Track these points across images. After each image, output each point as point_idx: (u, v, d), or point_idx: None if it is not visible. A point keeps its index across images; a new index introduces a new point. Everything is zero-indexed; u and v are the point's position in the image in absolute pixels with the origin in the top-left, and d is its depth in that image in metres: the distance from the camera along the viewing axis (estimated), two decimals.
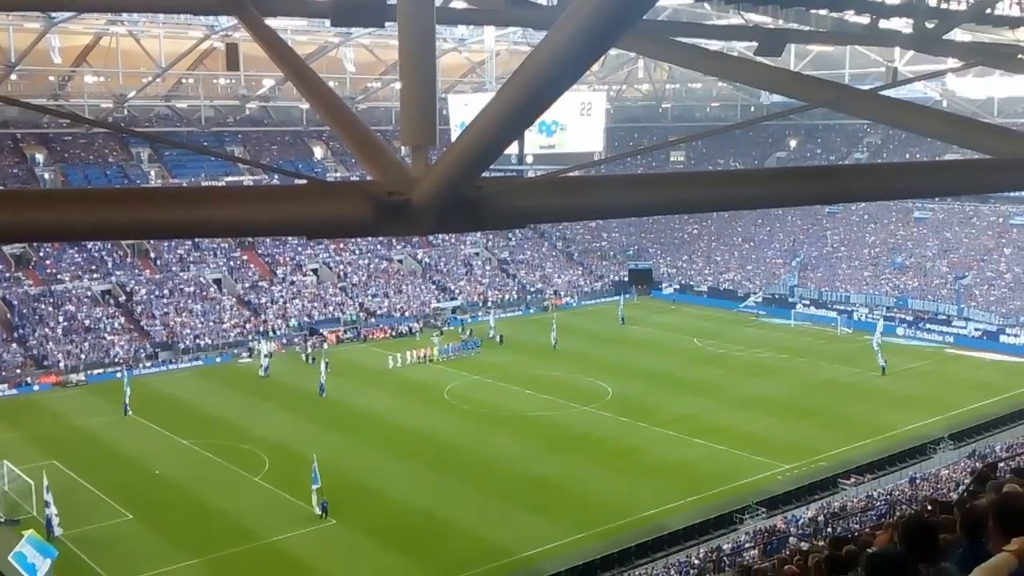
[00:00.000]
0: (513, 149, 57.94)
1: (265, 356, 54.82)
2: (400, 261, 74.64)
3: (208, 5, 9.18)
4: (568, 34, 3.39)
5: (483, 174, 4.37)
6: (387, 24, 7.61)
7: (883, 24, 15.15)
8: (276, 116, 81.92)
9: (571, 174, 4.80)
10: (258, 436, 42.18)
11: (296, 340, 61.45)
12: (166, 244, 66.52)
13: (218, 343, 59.59)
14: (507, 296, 73.58)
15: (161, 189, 4.26)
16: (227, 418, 45.25)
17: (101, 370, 54.41)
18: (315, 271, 70.73)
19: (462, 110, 64.02)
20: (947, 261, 70.09)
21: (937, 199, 72.76)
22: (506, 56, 75.78)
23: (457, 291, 72.44)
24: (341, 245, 73.24)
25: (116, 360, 55.57)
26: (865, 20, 15.00)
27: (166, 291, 63.47)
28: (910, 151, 78.44)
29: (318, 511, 33.50)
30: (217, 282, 66.31)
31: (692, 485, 35.94)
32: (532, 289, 75.42)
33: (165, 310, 61.59)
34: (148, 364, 56.24)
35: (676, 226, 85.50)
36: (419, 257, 75.46)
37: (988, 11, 17.40)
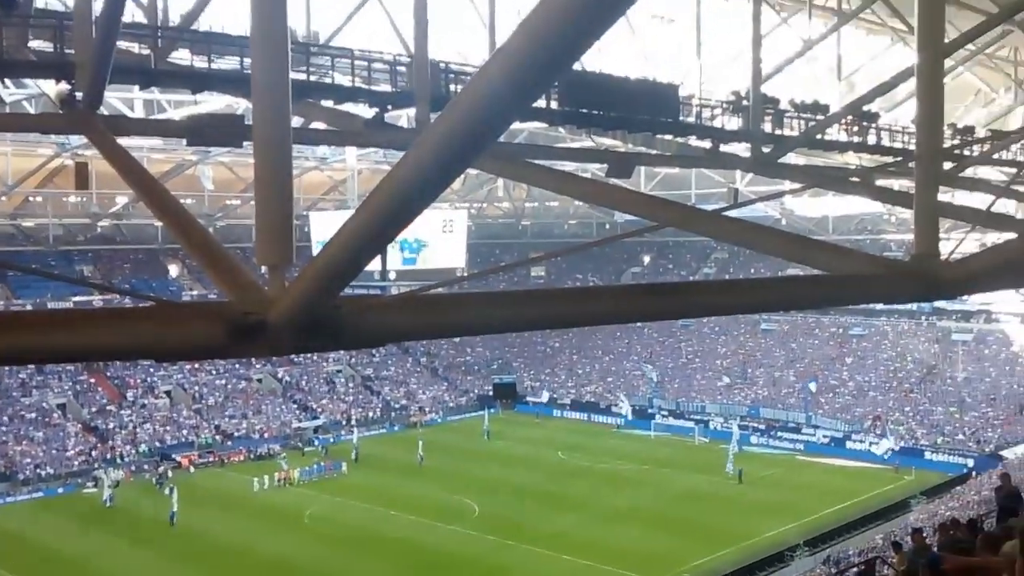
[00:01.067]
0: (376, 266, 57.91)
1: (109, 486, 51.70)
2: (259, 380, 72.54)
3: (58, 124, 8.95)
4: (425, 155, 3.45)
5: (343, 292, 4.34)
6: (245, 143, 7.57)
7: (724, 148, 16.09)
8: (129, 234, 79.55)
9: (433, 291, 4.80)
10: (104, 572, 39.38)
11: (146, 467, 58.35)
12: (5, 369, 62.74)
13: (61, 472, 55.93)
14: (371, 414, 72.29)
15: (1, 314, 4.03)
16: (71, 554, 42.19)
17: None
18: (168, 393, 67.85)
19: (323, 229, 63.82)
20: (794, 370, 73.17)
21: (782, 312, 76.35)
22: (368, 174, 76.44)
23: (319, 410, 70.74)
24: (197, 365, 70.73)
25: None
26: (707, 145, 15.89)
27: (5, 418, 59.51)
28: (755, 266, 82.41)
29: None
30: (61, 407, 62.66)
31: None
32: (396, 406, 74.42)
33: (3, 438, 57.60)
34: None
35: (539, 340, 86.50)
36: (279, 376, 73.59)
37: (819, 136, 18.70)
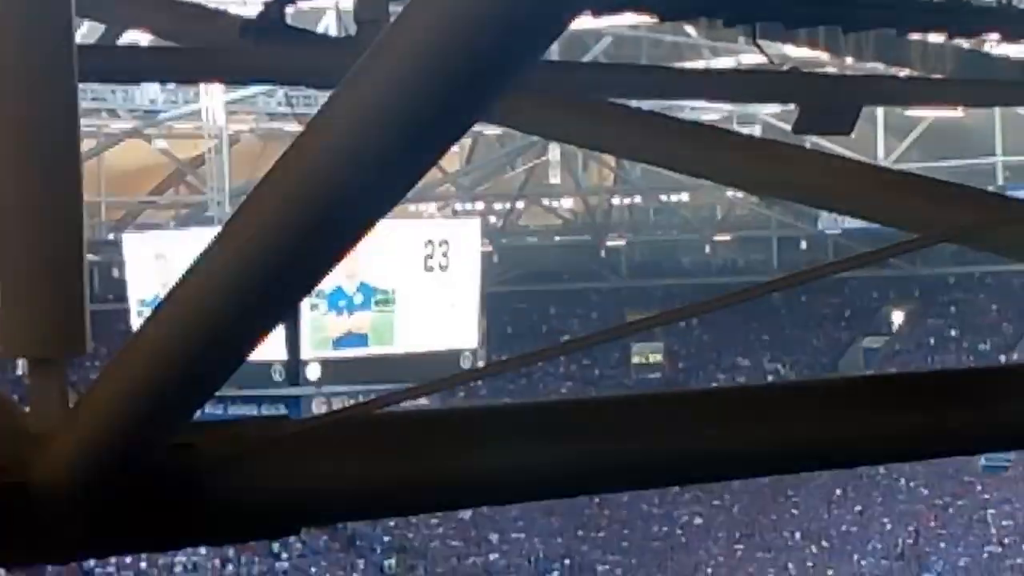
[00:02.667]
0: (278, 352, 57.92)
1: None
2: None
3: None
4: (377, 95, 3.45)
5: (199, 414, 4.37)
6: None
7: None
8: None
9: (409, 405, 4.85)
10: None
11: None
12: None
13: None
14: None
15: None
16: None
17: None
18: None
19: (151, 268, 63.72)
20: None
21: None
22: (250, 146, 77.08)
23: None
24: None
25: None
26: None
27: None
28: None
29: None
30: None
31: None
32: None
33: None
34: None
35: (654, 511, 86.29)
36: None
37: None
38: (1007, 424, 5.58)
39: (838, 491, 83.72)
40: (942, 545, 79.72)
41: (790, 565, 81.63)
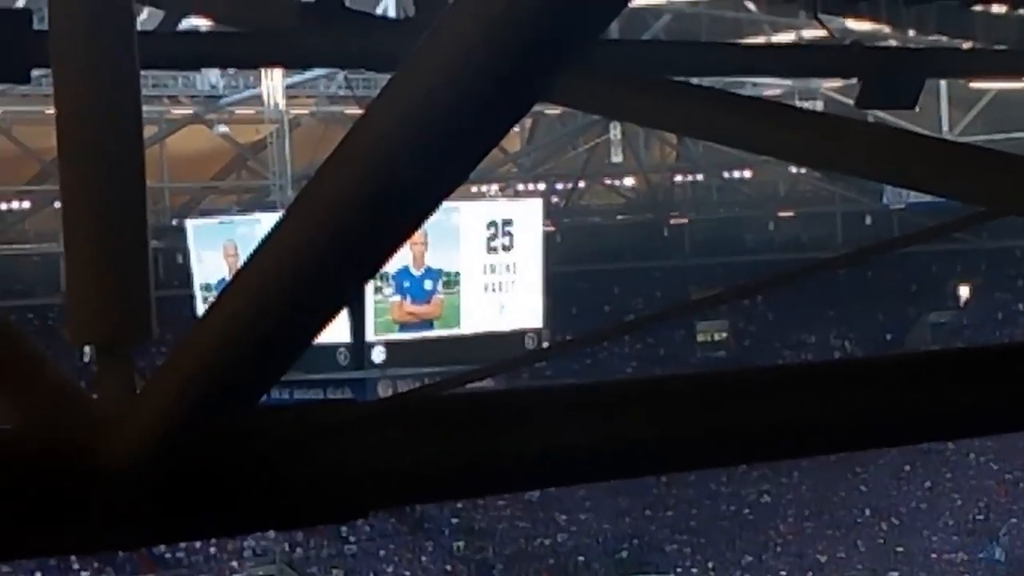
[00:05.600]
0: (342, 335, 58.06)
1: None
2: None
3: None
4: (437, 78, 3.47)
5: (264, 399, 4.40)
6: (36, 74, 7.75)
7: None
8: None
9: (476, 386, 4.86)
10: None
11: None
12: None
13: None
14: None
15: None
16: None
17: None
18: None
19: (215, 255, 63.97)
20: None
21: None
22: (311, 130, 77.20)
23: None
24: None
25: None
26: None
27: None
28: None
29: None
30: None
31: None
32: None
33: None
34: None
35: (722, 490, 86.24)
36: None
37: None
38: None
39: (907, 467, 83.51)
40: (1013, 520, 79.42)
41: (859, 542, 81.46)
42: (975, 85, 68.88)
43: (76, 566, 73.08)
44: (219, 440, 4.27)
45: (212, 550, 76.65)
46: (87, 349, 4.71)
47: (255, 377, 4.13)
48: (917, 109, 11.69)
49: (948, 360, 5.52)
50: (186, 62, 10.98)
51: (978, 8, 16.27)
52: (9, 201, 79.72)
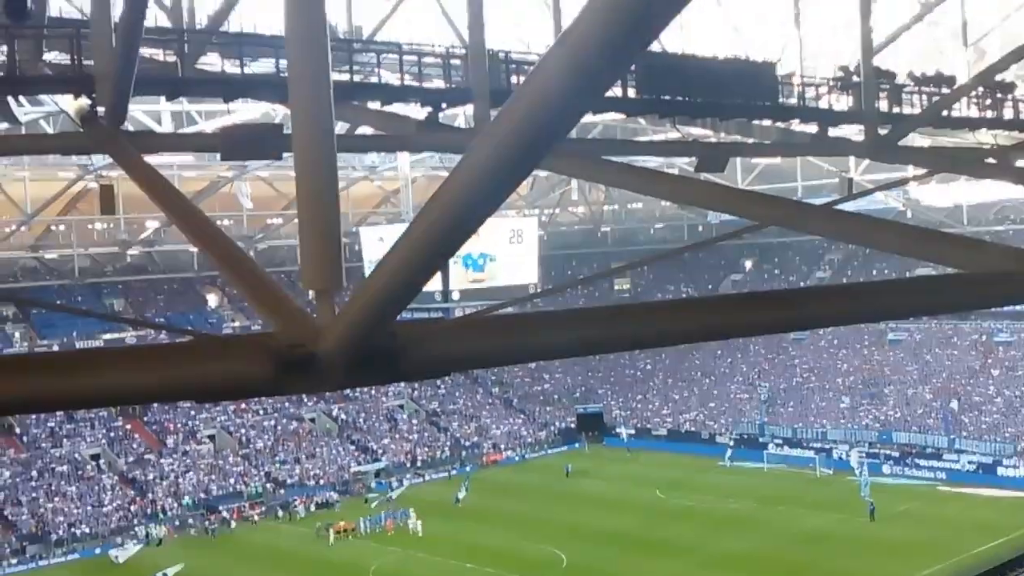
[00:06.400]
0: (437, 285, 58.46)
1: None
2: (312, 420, 73.57)
3: (79, 144, 9.24)
4: (486, 156, 3.48)
5: (399, 317, 4.39)
6: (285, 155, 7.71)
7: (833, 132, 15.84)
8: (162, 262, 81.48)
9: (502, 312, 4.83)
10: None
11: (191, 521, 59.52)
12: (33, 417, 64.67)
13: (97, 531, 57.31)
14: (438, 453, 72.70)
15: (23, 356, 4.17)
16: None
17: None
18: (212, 438, 69.19)
19: (376, 245, 64.76)
20: (930, 387, 71.56)
21: (912, 319, 74.83)
22: (424, 183, 77.26)
23: (380, 451, 71.42)
24: (243, 405, 72.03)
25: None
26: (813, 129, 15.67)
27: (34, 472, 61.30)
28: (877, 267, 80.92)
29: None
30: (95, 458, 64.34)
31: None
32: (467, 443, 74.72)
33: (33, 495, 59.32)
34: (14, 562, 53.64)
35: (627, 362, 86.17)
36: (334, 414, 74.54)
37: (945, 113, 18.32)
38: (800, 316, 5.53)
39: (719, 351, 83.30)
40: (772, 377, 79.27)
41: (695, 389, 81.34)
42: (754, 160, 68.75)
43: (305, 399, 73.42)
44: (378, 337, 4.27)
45: (373, 391, 76.85)
46: (310, 292, 4.69)
47: (396, 303, 4.13)
48: (724, 172, 11.65)
49: (735, 298, 5.49)
50: (358, 149, 11.00)
51: (756, 122, 16.16)
52: (272, 219, 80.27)
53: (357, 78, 13.32)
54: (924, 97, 21.15)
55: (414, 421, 76.93)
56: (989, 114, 24.11)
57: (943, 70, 23.65)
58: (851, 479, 58.06)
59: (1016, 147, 16.50)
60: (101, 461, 64.33)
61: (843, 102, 18.53)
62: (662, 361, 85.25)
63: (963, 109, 23.13)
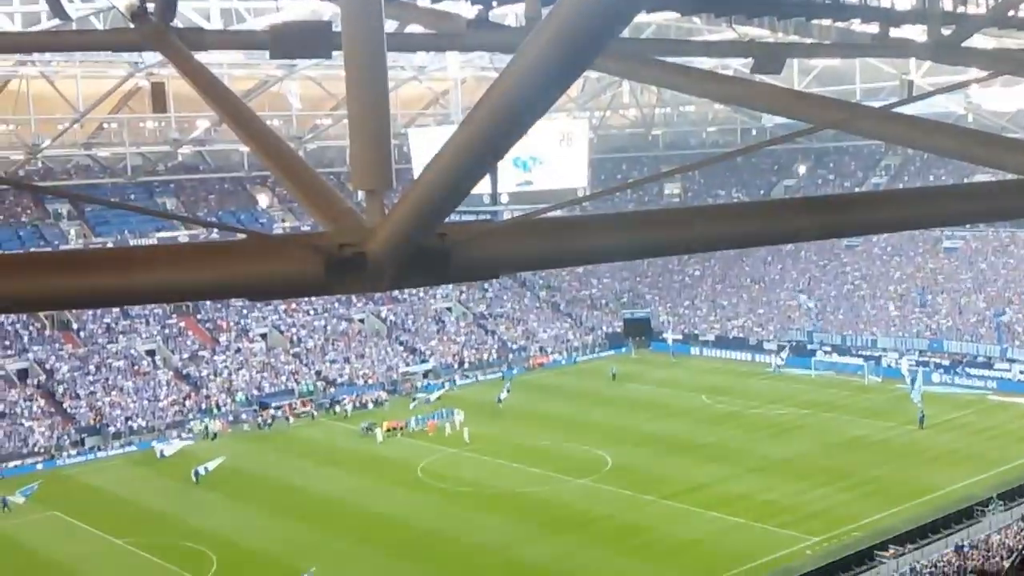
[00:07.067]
0: (485, 188, 58.25)
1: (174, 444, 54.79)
2: (361, 320, 74.50)
3: (129, 41, 9.24)
4: (537, 56, 3.44)
5: (449, 218, 4.40)
6: (334, 54, 7.66)
7: (895, 32, 15.42)
8: (213, 161, 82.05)
9: (551, 214, 4.82)
10: (203, 531, 41.62)
11: (244, 417, 60.99)
12: (90, 314, 66.13)
13: (153, 424, 58.96)
14: (486, 356, 73.45)
15: (79, 252, 4.25)
16: (167, 512, 44.68)
17: (19, 461, 53.68)
18: (264, 336, 70.44)
19: (425, 146, 64.49)
20: (984, 296, 70.67)
21: (968, 226, 73.61)
22: (473, 84, 76.59)
23: (428, 352, 72.30)
24: (293, 305, 73.11)
25: (36, 449, 54.88)
26: (874, 29, 15.26)
27: (91, 367, 62.95)
28: (934, 172, 79.46)
29: None
30: (151, 354, 65.89)
31: (709, 566, 35.70)
32: (514, 346, 75.34)
33: (91, 389, 61.02)
34: (73, 452, 55.53)
35: (675, 268, 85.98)
36: (383, 315, 75.39)
37: (1011, 13, 17.73)
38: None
39: (769, 257, 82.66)
40: (823, 284, 78.72)
41: (743, 295, 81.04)
42: (812, 62, 67.31)
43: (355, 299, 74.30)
44: (427, 238, 4.29)
45: (421, 293, 77.55)
46: (360, 192, 4.71)
47: (446, 203, 4.13)
48: (782, 72, 11.43)
49: (787, 203, 5.42)
50: (407, 49, 10.85)
51: (814, 22, 15.79)
52: (321, 119, 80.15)
53: None
54: None
55: (462, 323, 77.60)
56: None
57: None
58: (900, 387, 57.92)
59: None
60: (156, 357, 65.85)
61: (906, 1, 18.01)
62: (711, 267, 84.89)
63: None
